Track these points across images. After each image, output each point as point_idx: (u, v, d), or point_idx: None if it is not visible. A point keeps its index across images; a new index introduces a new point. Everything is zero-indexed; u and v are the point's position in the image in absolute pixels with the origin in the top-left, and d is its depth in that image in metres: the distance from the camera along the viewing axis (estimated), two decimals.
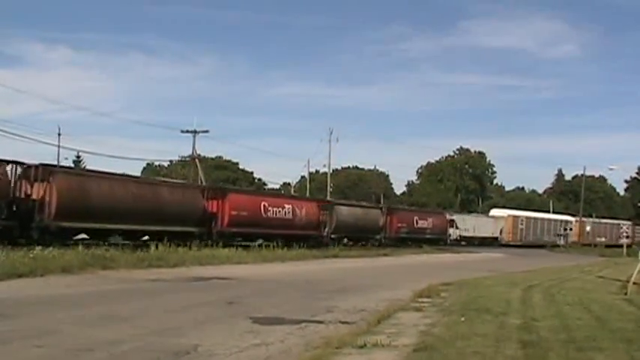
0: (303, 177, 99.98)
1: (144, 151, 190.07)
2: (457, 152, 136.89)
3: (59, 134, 71.74)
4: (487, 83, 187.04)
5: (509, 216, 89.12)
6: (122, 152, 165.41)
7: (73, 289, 19.11)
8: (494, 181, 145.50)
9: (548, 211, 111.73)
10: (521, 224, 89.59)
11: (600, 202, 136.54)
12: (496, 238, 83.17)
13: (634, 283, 23.56)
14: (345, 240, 54.78)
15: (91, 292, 18.72)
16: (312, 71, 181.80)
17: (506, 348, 10.75)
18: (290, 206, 48.03)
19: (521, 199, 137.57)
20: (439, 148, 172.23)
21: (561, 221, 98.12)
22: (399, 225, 61.99)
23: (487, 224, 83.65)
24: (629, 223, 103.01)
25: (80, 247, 27.64)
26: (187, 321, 13.82)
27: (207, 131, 68.71)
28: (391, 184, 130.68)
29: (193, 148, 67.88)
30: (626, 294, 21.43)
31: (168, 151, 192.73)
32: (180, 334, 12.15)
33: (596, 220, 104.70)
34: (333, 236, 52.05)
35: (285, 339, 12.09)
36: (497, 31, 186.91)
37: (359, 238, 56.58)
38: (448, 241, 71.56)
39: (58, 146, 68.65)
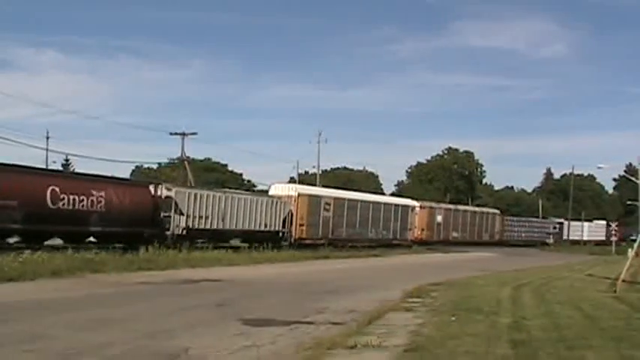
0: (292, 178, 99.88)
1: (133, 154, 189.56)
2: (446, 152, 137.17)
3: (47, 137, 71.48)
4: (477, 84, 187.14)
5: (301, 196, 50.81)
6: (111, 155, 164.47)
7: (62, 292, 19.03)
8: (484, 181, 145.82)
9: (536, 212, 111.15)
10: (326, 210, 52.55)
11: (589, 201, 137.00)
12: (278, 233, 46.88)
13: (623, 281, 23.67)
14: None
15: (80, 296, 18.65)
16: (302, 73, 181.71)
17: (497, 347, 10.78)
18: None
19: (510, 198, 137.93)
20: (429, 149, 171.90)
21: (398, 206, 63.73)
22: None
23: (258, 209, 45.59)
24: (497, 212, 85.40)
25: (70, 251, 27.53)
26: (178, 324, 13.79)
27: (195, 133, 68.50)
28: (381, 184, 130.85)
29: (182, 150, 67.64)
30: (615, 292, 21.52)
31: (158, 153, 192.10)
32: (171, 337, 12.12)
33: (451, 205, 77.55)
34: None
35: (275, 340, 12.09)
36: (488, 32, 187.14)
37: None
38: (169, 238, 37.06)
39: (47, 149, 68.30)
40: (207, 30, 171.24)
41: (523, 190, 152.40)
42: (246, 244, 42.55)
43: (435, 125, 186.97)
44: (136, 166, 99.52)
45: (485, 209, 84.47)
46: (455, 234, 71.71)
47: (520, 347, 10.80)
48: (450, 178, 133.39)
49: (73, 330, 12.62)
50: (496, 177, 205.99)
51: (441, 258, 52.24)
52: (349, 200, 56.52)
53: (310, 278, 27.19)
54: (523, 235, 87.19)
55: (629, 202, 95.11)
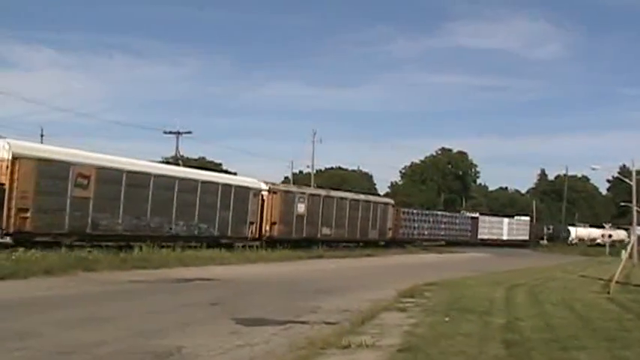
0: (286, 178, 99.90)
1: (127, 152, 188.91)
2: (439, 152, 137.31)
3: (42, 135, 71.16)
4: (471, 84, 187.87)
5: (22, 160, 29.44)
6: (105, 154, 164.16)
7: (55, 291, 18.97)
8: (478, 181, 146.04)
9: (530, 213, 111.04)
10: (81, 187, 31.87)
11: (583, 202, 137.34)
12: None
13: (616, 282, 23.70)
14: None
15: (73, 294, 18.61)
16: (296, 72, 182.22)
17: (490, 347, 10.78)
18: None
19: (504, 199, 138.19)
20: (423, 149, 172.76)
21: (229, 187, 41.79)
22: None
23: None
24: (390, 202, 63.61)
25: (63, 249, 27.47)
26: (171, 322, 13.76)
27: (190, 132, 68.74)
28: (375, 184, 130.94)
29: (177, 149, 67.69)
30: (608, 293, 21.54)
31: (152, 152, 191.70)
32: (163, 336, 12.09)
33: (321, 191, 55.33)
34: None
35: (269, 340, 12.06)
36: (481, 32, 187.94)
37: None
38: None
39: None
40: (202, 28, 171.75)
41: (517, 191, 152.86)
42: None
43: (428, 125, 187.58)
44: None
45: (372, 197, 62.86)
46: (326, 230, 50.84)
47: (513, 347, 10.80)
48: (444, 178, 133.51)
49: (65, 328, 12.57)
50: (490, 177, 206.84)
51: (435, 258, 52.31)
52: (130, 174, 34.56)
53: (303, 277, 27.19)
54: (426, 232, 69.19)
55: (622, 204, 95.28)
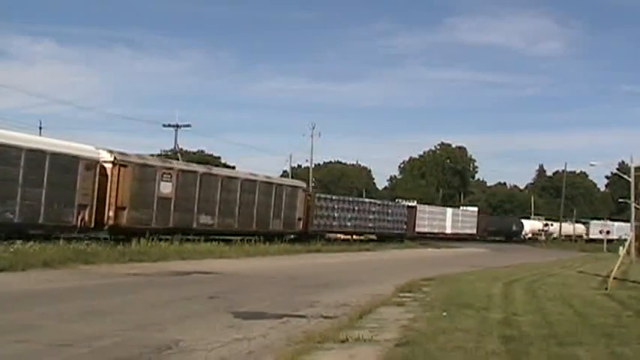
0: (285, 172, 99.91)
1: (126, 145, 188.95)
2: (438, 147, 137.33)
3: (40, 127, 71.16)
4: (472, 80, 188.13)
5: None
6: (105, 147, 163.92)
7: (54, 283, 18.98)
8: (476, 177, 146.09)
9: (529, 210, 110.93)
10: None
11: (581, 198, 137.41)
12: None
13: (614, 278, 23.73)
14: None
15: (72, 287, 18.60)
16: (297, 67, 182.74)
17: (488, 343, 10.79)
18: None
19: (502, 194, 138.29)
20: (422, 144, 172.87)
21: (40, 154, 28.88)
22: None
23: None
24: (302, 185, 50.70)
25: (61, 242, 27.47)
26: (169, 316, 13.76)
27: (188, 125, 68.70)
28: (373, 179, 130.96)
29: (175, 141, 67.68)
30: (606, 289, 21.57)
31: (152, 145, 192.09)
32: (161, 329, 12.09)
33: (199, 167, 40.70)
34: None
35: (267, 334, 12.06)
36: (484, 28, 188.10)
37: None
38: None
39: None
40: (204, 22, 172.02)
41: (515, 187, 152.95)
42: None
43: (428, 120, 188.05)
44: None
45: (276, 179, 50.94)
46: (206, 218, 38.96)
47: (511, 343, 10.81)
48: (443, 173, 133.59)
49: (64, 321, 12.58)
50: (489, 173, 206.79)
51: (434, 253, 52.40)
52: None
53: (302, 272, 27.20)
54: (349, 224, 55.90)
55: (620, 200, 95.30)
